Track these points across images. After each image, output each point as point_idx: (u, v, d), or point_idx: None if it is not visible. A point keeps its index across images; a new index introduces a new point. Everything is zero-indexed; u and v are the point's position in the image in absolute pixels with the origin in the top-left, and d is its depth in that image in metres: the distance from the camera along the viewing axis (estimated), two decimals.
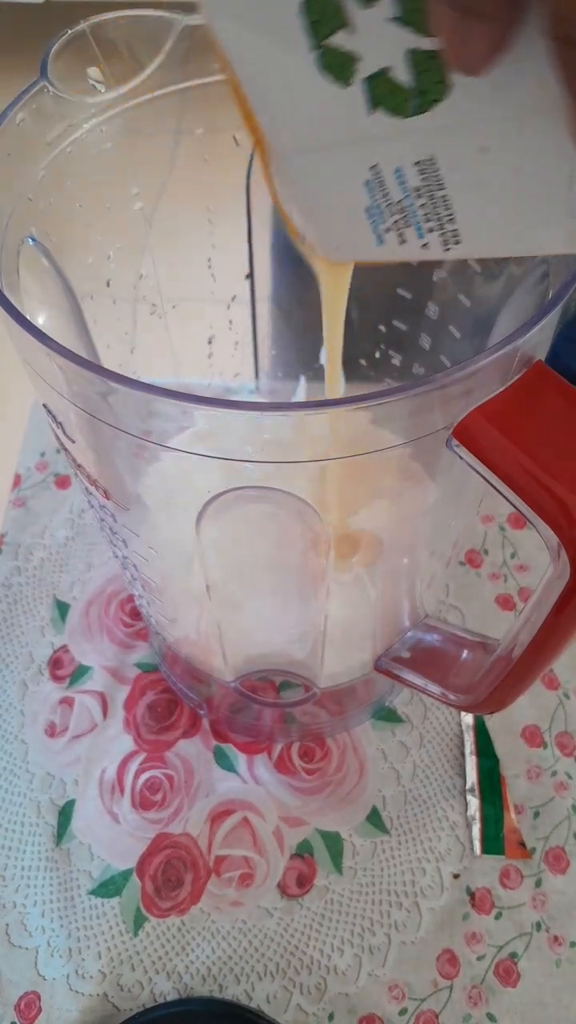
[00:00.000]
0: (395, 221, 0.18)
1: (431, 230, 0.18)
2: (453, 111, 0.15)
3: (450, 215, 0.18)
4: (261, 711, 0.37)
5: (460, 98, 0.15)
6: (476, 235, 0.18)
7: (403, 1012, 0.32)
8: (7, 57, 1.70)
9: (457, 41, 0.14)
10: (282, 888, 0.34)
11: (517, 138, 0.16)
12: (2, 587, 0.43)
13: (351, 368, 0.42)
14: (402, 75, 0.15)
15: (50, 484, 0.47)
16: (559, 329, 0.19)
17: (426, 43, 0.14)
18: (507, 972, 0.32)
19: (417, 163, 0.17)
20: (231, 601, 0.28)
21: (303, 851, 0.35)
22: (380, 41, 0.15)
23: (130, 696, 0.39)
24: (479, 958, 0.33)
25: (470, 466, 0.18)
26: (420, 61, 0.15)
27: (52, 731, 0.38)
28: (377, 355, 0.40)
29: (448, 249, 0.19)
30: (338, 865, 0.35)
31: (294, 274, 0.41)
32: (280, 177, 0.20)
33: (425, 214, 0.18)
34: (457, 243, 0.18)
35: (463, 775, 0.37)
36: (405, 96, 0.16)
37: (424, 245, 0.19)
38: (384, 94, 0.16)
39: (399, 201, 0.18)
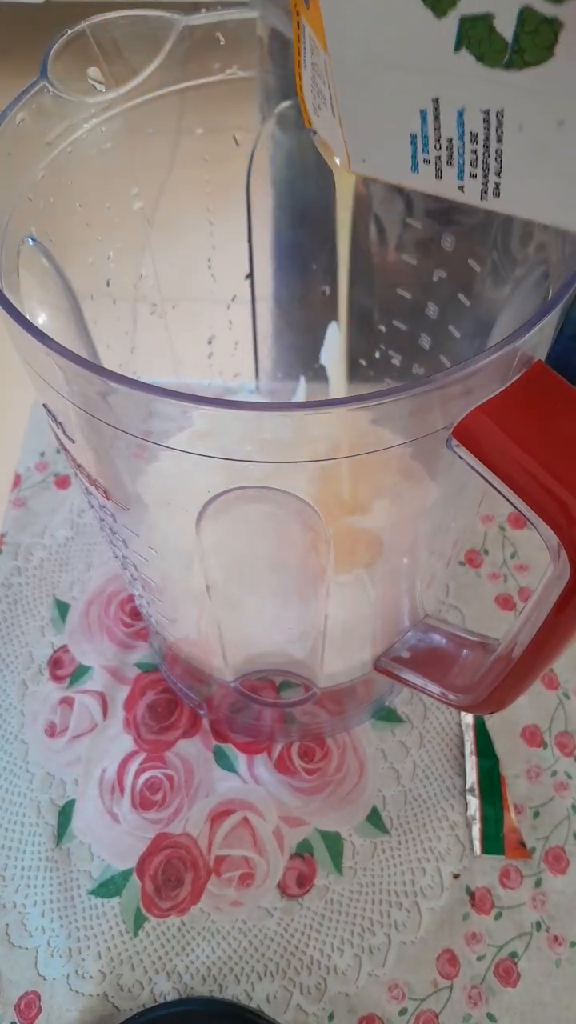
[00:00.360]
0: (438, 156, 0.18)
1: (473, 176, 0.18)
2: (545, 79, 0.15)
3: (499, 168, 0.17)
4: (261, 711, 0.37)
5: (558, 70, 0.14)
6: (518, 194, 0.17)
7: (403, 1012, 0.32)
8: (7, 57, 1.70)
9: None
10: (282, 888, 0.34)
11: None
12: (2, 587, 0.43)
13: (351, 368, 0.42)
14: (504, 27, 0.14)
15: (50, 484, 0.47)
16: (560, 329, 0.19)
17: (547, 8, 0.14)
18: (507, 972, 0.32)
19: (484, 111, 0.16)
20: (231, 601, 0.28)
21: (303, 851, 0.35)
22: None
23: (130, 696, 0.39)
24: (479, 958, 0.33)
25: (470, 466, 0.18)
26: (531, 22, 0.14)
27: (52, 731, 0.38)
28: (377, 355, 0.40)
29: (483, 199, 0.18)
30: (338, 865, 0.35)
31: (294, 274, 0.41)
32: (327, 72, 0.18)
33: (472, 160, 0.17)
34: (496, 196, 0.18)
35: (463, 775, 0.37)
36: (500, 48, 0.15)
37: (460, 188, 0.18)
38: (478, 39, 0.15)
39: (450, 139, 0.17)
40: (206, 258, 0.37)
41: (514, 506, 0.18)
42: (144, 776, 0.37)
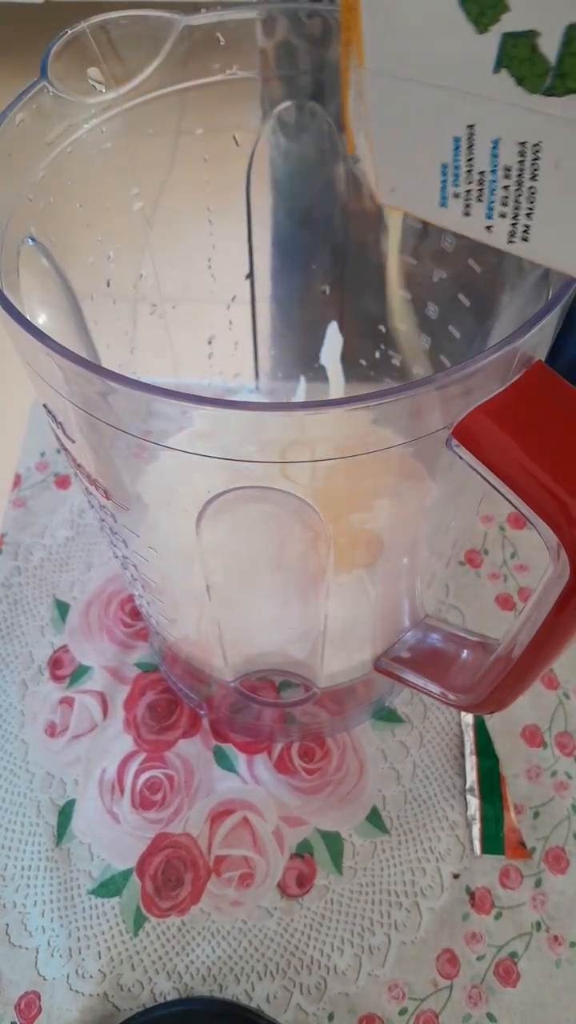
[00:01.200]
0: (468, 190, 0.17)
1: (503, 215, 0.17)
2: None
3: (530, 209, 0.16)
4: (261, 711, 0.37)
5: None
6: (547, 240, 0.17)
7: (403, 1012, 0.32)
8: (7, 57, 1.70)
9: None
10: (282, 888, 0.34)
11: None
12: (2, 587, 0.43)
13: (351, 368, 0.42)
14: (549, 47, 0.13)
15: (50, 484, 0.47)
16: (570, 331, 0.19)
17: None
18: (507, 972, 0.32)
19: (521, 143, 0.15)
20: (231, 601, 0.28)
21: (303, 851, 0.35)
22: (542, 1, 0.13)
23: (130, 696, 0.39)
24: (479, 958, 0.33)
25: (470, 466, 0.18)
26: None
27: (52, 731, 0.38)
28: (377, 355, 0.40)
29: (511, 241, 0.17)
30: (338, 865, 0.35)
31: (294, 274, 0.41)
32: (363, 91, 0.18)
33: (504, 197, 0.16)
34: (525, 240, 0.17)
35: (463, 775, 0.37)
36: (542, 71, 0.14)
37: (488, 228, 0.17)
38: (519, 59, 0.14)
39: (482, 172, 0.16)
40: (206, 258, 0.37)
41: (514, 506, 0.18)
42: (144, 776, 0.37)
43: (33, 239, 0.24)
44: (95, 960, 0.32)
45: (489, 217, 0.17)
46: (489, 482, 0.18)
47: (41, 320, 0.25)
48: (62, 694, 0.39)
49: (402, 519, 0.25)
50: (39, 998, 0.32)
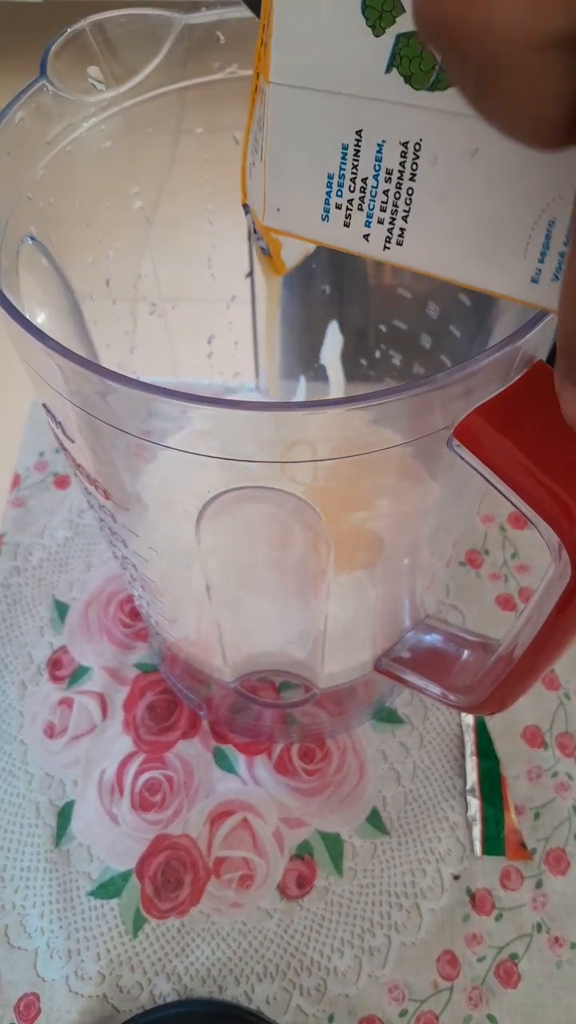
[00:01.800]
0: (350, 200, 0.18)
1: (380, 221, 0.18)
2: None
3: (406, 212, 0.17)
4: (261, 712, 0.37)
5: None
6: (420, 244, 0.18)
7: (403, 1013, 0.31)
8: (7, 57, 1.70)
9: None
10: (282, 889, 0.34)
11: (509, 155, 0.15)
12: (1, 587, 0.43)
13: (351, 368, 0.42)
14: None
15: (49, 484, 0.47)
16: None
17: None
18: (508, 973, 0.32)
19: (403, 143, 0.16)
20: (231, 601, 0.28)
21: (303, 852, 0.35)
22: None
23: (129, 697, 0.39)
24: (479, 959, 0.33)
25: (471, 466, 0.18)
26: None
27: (51, 732, 0.38)
28: (377, 355, 0.40)
29: (387, 248, 0.18)
30: (338, 866, 0.35)
31: (294, 274, 0.41)
32: (264, 113, 0.19)
33: (383, 202, 0.17)
34: (400, 244, 0.18)
35: (463, 776, 0.37)
36: (429, 66, 0.15)
37: (365, 236, 0.18)
38: (408, 57, 0.15)
39: (364, 179, 0.17)
40: (206, 258, 0.36)
41: (515, 506, 0.18)
42: (143, 777, 0.37)
43: (33, 239, 0.24)
44: (94, 961, 0.32)
45: (368, 225, 0.18)
46: (490, 482, 0.18)
47: (41, 320, 0.25)
48: (61, 695, 0.39)
49: (402, 519, 0.25)
50: (38, 999, 0.32)
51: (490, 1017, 0.31)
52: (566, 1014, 0.32)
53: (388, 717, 0.39)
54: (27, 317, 0.17)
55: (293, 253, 0.26)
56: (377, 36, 0.15)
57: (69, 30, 0.24)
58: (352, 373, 0.42)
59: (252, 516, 0.23)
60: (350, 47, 0.16)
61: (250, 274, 0.38)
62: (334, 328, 0.41)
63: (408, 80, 0.16)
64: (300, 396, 0.44)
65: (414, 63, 0.15)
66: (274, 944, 0.33)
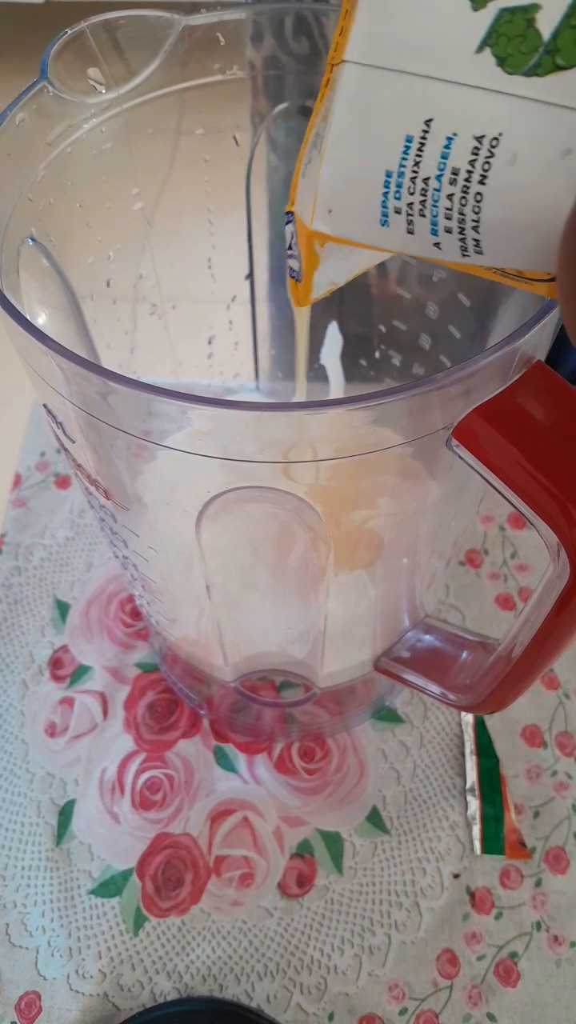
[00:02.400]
0: (410, 203, 0.16)
1: (448, 230, 0.16)
2: (568, 90, 0.13)
3: (476, 220, 0.15)
4: (261, 711, 0.37)
5: None
6: (502, 247, 0.16)
7: (403, 1012, 0.32)
8: (7, 57, 1.70)
9: None
10: (282, 888, 0.34)
11: None
12: (2, 587, 0.43)
13: (351, 368, 0.42)
14: (547, 21, 0.13)
15: (50, 484, 0.47)
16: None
17: None
18: (507, 972, 0.32)
19: (478, 137, 0.14)
20: (231, 601, 0.28)
21: (303, 851, 0.35)
22: None
23: (130, 696, 0.39)
24: (479, 958, 0.33)
25: (470, 466, 0.18)
26: None
27: (52, 731, 0.38)
28: (377, 355, 0.40)
29: (465, 256, 0.16)
30: (338, 865, 0.35)
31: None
32: (333, 97, 0.16)
33: (448, 208, 0.15)
34: (479, 253, 0.16)
35: (463, 775, 0.37)
36: (531, 48, 0.13)
37: (436, 245, 0.16)
38: (508, 36, 0.13)
39: (426, 179, 0.15)
40: (206, 258, 0.37)
41: (514, 506, 0.18)
42: (144, 776, 0.37)
43: (33, 239, 0.24)
44: (95, 960, 0.32)
45: (434, 234, 0.16)
46: (489, 482, 0.18)
47: (41, 320, 0.25)
48: (62, 694, 0.39)
49: (402, 519, 0.25)
50: (39, 998, 0.32)
51: (490, 1016, 0.32)
52: (566, 1013, 0.32)
53: (388, 716, 0.39)
54: (28, 318, 0.17)
55: (322, 282, 0.23)
56: (476, 10, 0.13)
57: (69, 31, 0.24)
58: (352, 373, 0.42)
59: (252, 516, 0.23)
60: (441, 19, 0.14)
61: (250, 274, 0.38)
62: (334, 328, 0.41)
63: (501, 62, 0.14)
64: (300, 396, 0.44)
65: (513, 43, 0.13)
66: (274, 943, 0.33)
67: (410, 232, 0.16)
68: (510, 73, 0.14)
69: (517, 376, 0.17)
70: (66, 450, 0.23)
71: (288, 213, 0.20)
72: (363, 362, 0.41)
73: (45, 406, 0.21)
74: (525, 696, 0.36)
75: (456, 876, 0.34)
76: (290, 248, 0.21)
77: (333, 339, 0.41)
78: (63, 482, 0.47)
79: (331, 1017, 0.31)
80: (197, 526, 0.22)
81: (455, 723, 0.39)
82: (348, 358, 0.41)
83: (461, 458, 0.18)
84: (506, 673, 0.24)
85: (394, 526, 0.25)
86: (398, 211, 0.16)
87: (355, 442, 0.17)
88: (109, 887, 0.34)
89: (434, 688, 0.29)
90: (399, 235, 0.16)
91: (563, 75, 0.13)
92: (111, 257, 0.31)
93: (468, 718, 0.39)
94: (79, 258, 0.28)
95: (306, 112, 0.33)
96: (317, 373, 0.42)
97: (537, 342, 0.17)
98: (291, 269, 0.22)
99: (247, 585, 0.28)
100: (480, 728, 0.38)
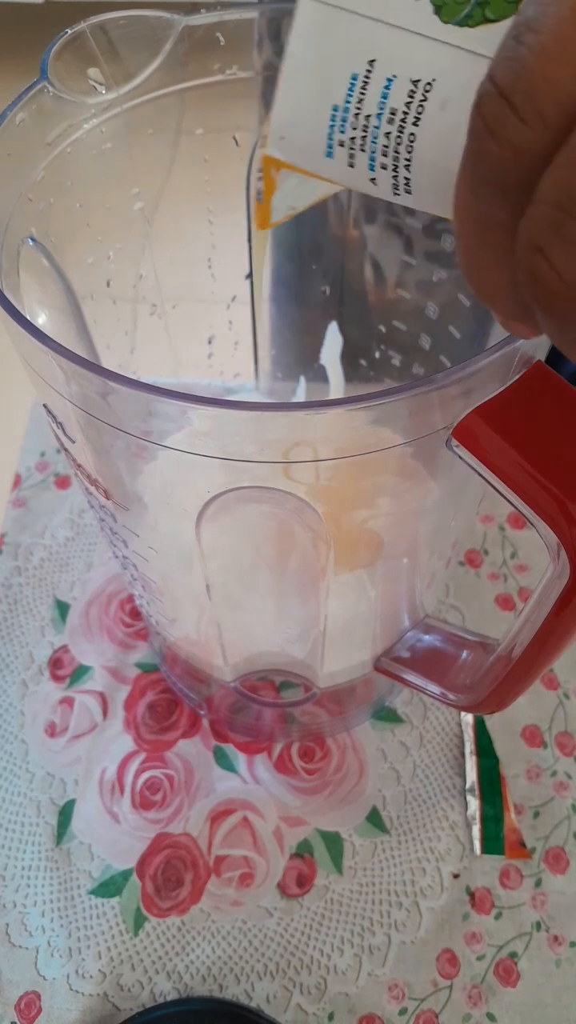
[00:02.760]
0: (352, 138, 0.17)
1: (384, 167, 0.17)
2: (495, 42, 0.14)
3: (408, 160, 0.16)
4: (261, 711, 0.37)
5: None
6: (430, 193, 0.17)
7: (403, 1012, 0.32)
8: (7, 57, 1.70)
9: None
10: (282, 888, 0.34)
11: None
12: (2, 587, 0.43)
13: (351, 368, 0.42)
14: None
15: (50, 484, 0.47)
16: None
17: None
18: (507, 972, 0.32)
19: (414, 81, 0.16)
20: (231, 601, 0.28)
21: (303, 851, 0.35)
22: None
23: (130, 696, 0.39)
24: (479, 958, 0.33)
25: (470, 466, 0.18)
26: None
27: (52, 731, 0.38)
28: (377, 355, 0.40)
29: (396, 194, 0.17)
30: (338, 865, 0.35)
31: (294, 274, 0.41)
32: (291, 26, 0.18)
33: (384, 146, 0.17)
34: (408, 192, 0.17)
35: (463, 775, 0.37)
36: None
37: (372, 180, 0.17)
38: None
39: (368, 116, 0.16)
40: (206, 258, 0.37)
41: (514, 506, 0.18)
42: (144, 776, 0.37)
43: (33, 239, 0.24)
44: (95, 960, 0.32)
45: (372, 169, 0.17)
46: (489, 482, 0.18)
47: (41, 320, 0.25)
48: (62, 694, 0.39)
49: (402, 519, 0.25)
50: (39, 998, 0.32)
51: (489, 1015, 0.32)
52: (565, 1012, 0.32)
53: (388, 716, 0.39)
54: (28, 318, 0.17)
55: (281, 207, 0.25)
56: None
57: (69, 31, 0.24)
58: (352, 373, 0.42)
59: (252, 516, 0.23)
60: None
61: (250, 275, 0.38)
62: (334, 328, 0.41)
63: (438, 10, 0.15)
64: (300, 396, 0.44)
65: None
66: (274, 942, 0.33)
67: (351, 165, 0.17)
68: (445, 22, 0.15)
69: (517, 376, 0.17)
70: (66, 450, 0.23)
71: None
72: (363, 362, 0.41)
73: (45, 406, 0.21)
74: (525, 696, 0.36)
75: (456, 876, 0.34)
76: (259, 171, 0.23)
77: (333, 339, 0.41)
78: (63, 482, 0.47)
79: (331, 1017, 0.31)
80: (197, 526, 0.22)
81: (455, 723, 0.39)
82: (348, 358, 0.41)
83: (461, 458, 0.18)
84: (506, 673, 0.24)
85: (394, 526, 0.25)
86: (342, 144, 0.17)
87: (355, 442, 0.17)
88: (109, 887, 0.34)
89: (434, 688, 0.29)
90: (341, 167, 0.18)
91: (492, 27, 0.14)
92: (111, 257, 0.31)
93: (468, 718, 0.39)
94: (79, 258, 0.28)
95: None
96: (317, 373, 0.42)
97: (537, 342, 0.17)
98: (257, 191, 0.24)
99: (247, 585, 0.28)
100: (480, 728, 0.38)
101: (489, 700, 0.26)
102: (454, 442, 0.18)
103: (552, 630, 0.20)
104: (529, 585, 0.43)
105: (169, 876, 0.34)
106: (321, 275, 0.40)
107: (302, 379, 0.44)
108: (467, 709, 0.28)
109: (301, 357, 0.43)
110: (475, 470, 0.18)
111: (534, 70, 0.11)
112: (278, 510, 0.22)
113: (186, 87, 0.28)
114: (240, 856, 0.35)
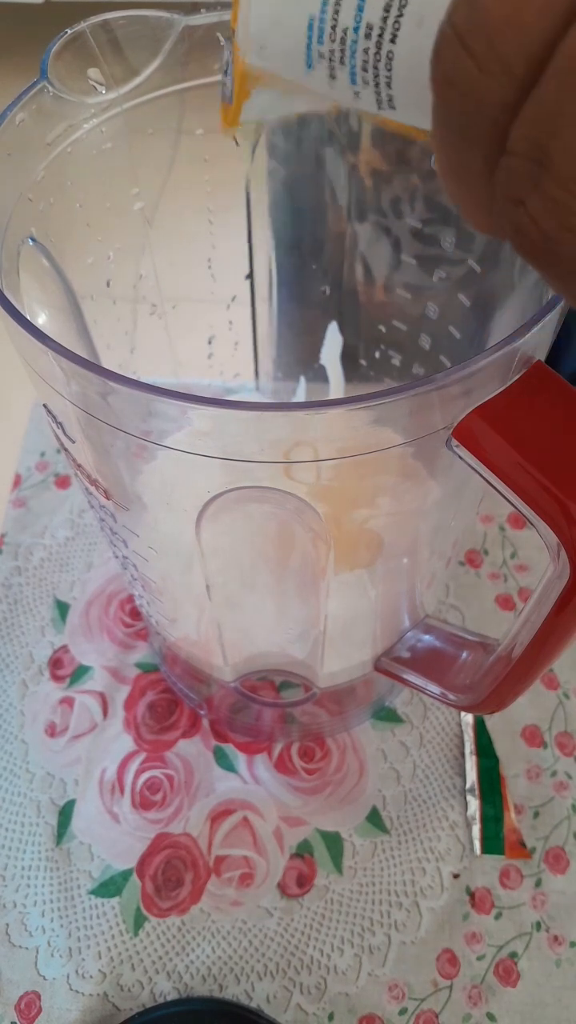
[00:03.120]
0: (331, 50, 0.16)
1: (365, 82, 0.16)
2: None
3: (388, 78, 0.16)
4: (261, 711, 0.37)
5: None
6: (414, 109, 0.16)
7: (403, 1012, 0.32)
8: (7, 57, 1.70)
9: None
10: (282, 888, 0.34)
11: None
12: (2, 587, 0.43)
13: (351, 368, 0.42)
14: None
15: (50, 484, 0.47)
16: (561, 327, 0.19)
17: None
18: (507, 972, 0.32)
19: None
20: (231, 601, 0.28)
21: (303, 851, 0.35)
22: None
23: (130, 696, 0.39)
24: (479, 958, 0.33)
25: (470, 466, 0.18)
26: None
27: (52, 731, 0.38)
28: (377, 355, 0.40)
29: (380, 109, 0.17)
30: (338, 865, 0.35)
31: (294, 274, 0.41)
32: None
33: (364, 61, 0.16)
34: (392, 108, 0.17)
35: (463, 775, 0.37)
36: None
37: (356, 94, 0.17)
38: None
39: (344, 30, 0.16)
40: (206, 258, 0.37)
41: (514, 506, 0.18)
42: (144, 776, 0.37)
43: (33, 239, 0.24)
44: (95, 960, 0.32)
45: (353, 83, 0.17)
46: (489, 482, 0.18)
47: (41, 320, 0.25)
48: (62, 694, 0.39)
49: (402, 519, 0.25)
50: (39, 998, 0.32)
51: (489, 1015, 0.32)
52: (565, 1012, 0.32)
53: (388, 716, 0.39)
54: (28, 318, 0.17)
55: (251, 112, 0.23)
56: None
57: (69, 31, 0.24)
58: (352, 373, 0.42)
59: (252, 516, 0.23)
60: None
61: (250, 274, 0.38)
62: (334, 328, 0.41)
63: None
64: (300, 396, 0.44)
65: None
66: (274, 942, 0.33)
67: (332, 78, 0.17)
68: None
69: (517, 376, 0.17)
70: (66, 450, 0.23)
71: (234, 32, 0.20)
72: (363, 362, 0.41)
73: (45, 406, 0.21)
74: (525, 696, 0.36)
75: (456, 876, 0.34)
76: (226, 71, 0.22)
77: (333, 339, 0.41)
78: (63, 482, 0.47)
79: (331, 1017, 0.31)
80: (197, 526, 0.22)
81: (455, 723, 0.39)
82: (348, 358, 0.41)
83: (461, 458, 0.18)
84: (506, 673, 0.24)
85: (394, 526, 0.25)
86: (321, 55, 0.17)
87: (355, 442, 0.17)
88: (109, 887, 0.34)
89: (434, 688, 0.29)
90: (323, 79, 0.17)
91: None
92: (111, 257, 0.31)
93: (468, 718, 0.39)
94: (79, 258, 0.28)
95: (305, 114, 0.33)
96: (317, 373, 0.42)
97: (537, 342, 0.17)
98: (224, 89, 0.23)
99: (247, 585, 0.28)
100: (480, 728, 0.38)
101: (489, 700, 0.26)
102: (454, 442, 0.18)
103: (552, 630, 0.20)
104: (529, 585, 0.43)
105: (169, 876, 0.34)
106: (321, 275, 0.40)
107: (302, 379, 0.44)
108: (467, 709, 0.28)
109: (301, 357, 0.43)
110: (475, 470, 0.18)
111: (494, 11, 0.10)
112: (278, 510, 0.22)
113: (186, 87, 0.28)
114: (240, 856, 0.35)
